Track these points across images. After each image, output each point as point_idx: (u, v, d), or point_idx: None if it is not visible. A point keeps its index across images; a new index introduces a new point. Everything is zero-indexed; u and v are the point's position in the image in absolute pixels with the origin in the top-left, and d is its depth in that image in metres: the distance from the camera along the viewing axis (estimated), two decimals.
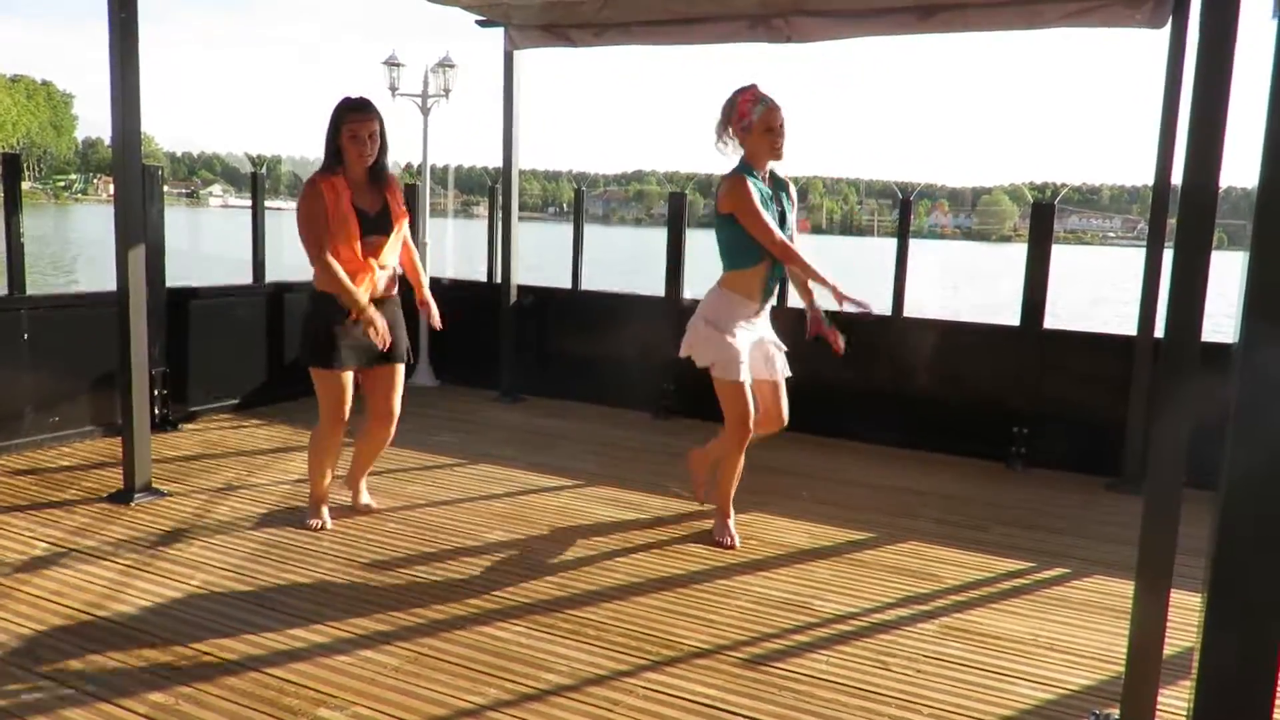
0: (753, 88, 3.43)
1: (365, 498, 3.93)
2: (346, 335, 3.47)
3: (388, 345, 3.51)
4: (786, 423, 3.71)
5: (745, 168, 3.44)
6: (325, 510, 3.74)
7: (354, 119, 3.39)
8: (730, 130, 3.45)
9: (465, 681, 2.51)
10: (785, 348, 3.71)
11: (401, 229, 3.60)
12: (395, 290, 3.67)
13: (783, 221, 3.47)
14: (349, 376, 3.53)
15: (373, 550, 3.45)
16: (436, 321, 3.76)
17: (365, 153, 3.41)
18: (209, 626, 2.77)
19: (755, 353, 3.57)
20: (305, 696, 2.40)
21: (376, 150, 3.45)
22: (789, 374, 3.70)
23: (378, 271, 3.52)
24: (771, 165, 3.51)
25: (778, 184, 3.54)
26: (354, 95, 3.49)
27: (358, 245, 3.44)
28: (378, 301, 3.52)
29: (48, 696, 2.36)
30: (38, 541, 3.40)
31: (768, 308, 3.62)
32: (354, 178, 3.46)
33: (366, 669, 2.56)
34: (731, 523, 3.69)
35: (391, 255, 3.59)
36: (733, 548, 3.60)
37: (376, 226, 3.49)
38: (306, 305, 3.59)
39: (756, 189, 3.40)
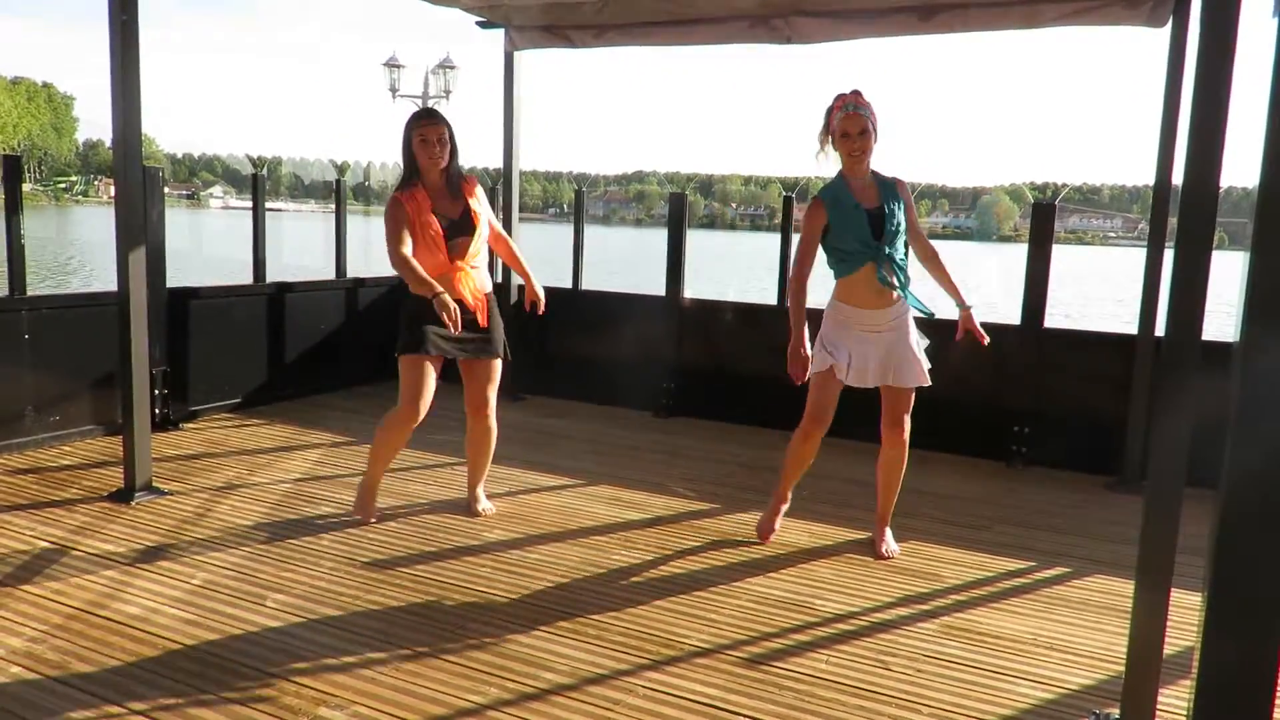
0: (844, 95, 3.36)
1: (482, 503, 3.96)
2: (433, 324, 3.55)
3: (459, 328, 3.48)
4: (905, 437, 3.61)
5: (835, 181, 3.43)
6: (374, 504, 3.82)
7: (423, 125, 3.59)
8: (829, 140, 3.42)
9: (465, 681, 2.51)
10: (922, 359, 3.58)
11: (482, 228, 3.68)
12: (490, 287, 3.77)
13: (883, 225, 3.38)
14: (429, 365, 3.62)
15: (373, 550, 3.45)
16: (541, 305, 3.95)
17: (435, 155, 3.55)
18: (210, 626, 2.77)
19: (873, 357, 3.49)
20: (305, 696, 2.40)
21: (447, 154, 3.59)
22: (918, 383, 3.58)
23: (470, 272, 3.62)
24: (875, 169, 3.44)
25: (884, 187, 3.44)
26: (422, 107, 3.72)
27: (444, 250, 3.57)
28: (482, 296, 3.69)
29: (49, 696, 2.36)
30: (39, 541, 3.40)
31: (893, 310, 3.48)
32: (431, 184, 3.61)
33: (367, 668, 2.56)
34: (777, 520, 3.78)
35: (479, 254, 3.68)
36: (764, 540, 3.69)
37: (460, 229, 3.61)
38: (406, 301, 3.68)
39: (834, 206, 3.38)
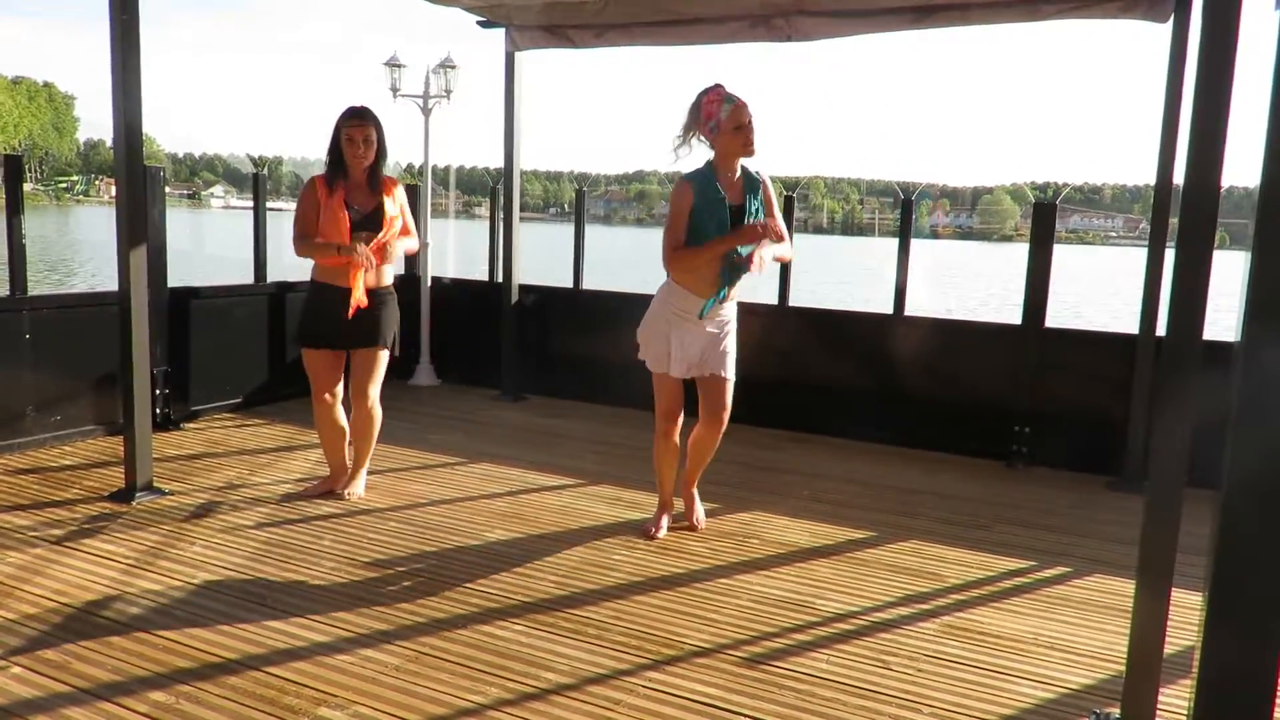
0: (717, 88, 3.42)
1: (356, 489, 4.07)
2: (322, 318, 3.83)
3: (366, 261, 3.71)
4: (723, 423, 3.62)
5: (703, 169, 3.45)
6: (340, 487, 4.06)
7: (350, 125, 3.74)
8: (698, 132, 3.45)
9: (466, 680, 2.51)
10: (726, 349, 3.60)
11: (392, 229, 3.84)
12: (388, 283, 3.95)
13: (742, 220, 3.42)
14: (323, 355, 3.89)
15: (373, 550, 3.45)
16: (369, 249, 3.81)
17: (359, 154, 3.73)
18: (210, 625, 2.77)
19: (696, 348, 3.53)
20: (306, 695, 2.40)
21: (372, 154, 3.76)
22: (726, 373, 3.59)
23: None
24: (744, 163, 3.48)
25: (749, 182, 3.49)
26: (355, 104, 3.82)
27: (348, 239, 3.73)
28: (370, 291, 3.81)
29: (49, 696, 2.36)
30: (40, 540, 3.40)
31: (722, 306, 3.53)
32: (353, 179, 3.79)
33: (367, 668, 2.56)
34: (665, 517, 3.82)
35: (386, 249, 3.84)
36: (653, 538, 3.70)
37: (366, 224, 3.78)
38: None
39: (701, 193, 3.39)
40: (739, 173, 3.49)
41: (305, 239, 3.79)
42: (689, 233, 3.41)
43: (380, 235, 3.79)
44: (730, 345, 3.60)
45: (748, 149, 3.43)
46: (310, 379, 3.94)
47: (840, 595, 3.20)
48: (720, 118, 3.37)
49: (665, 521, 3.77)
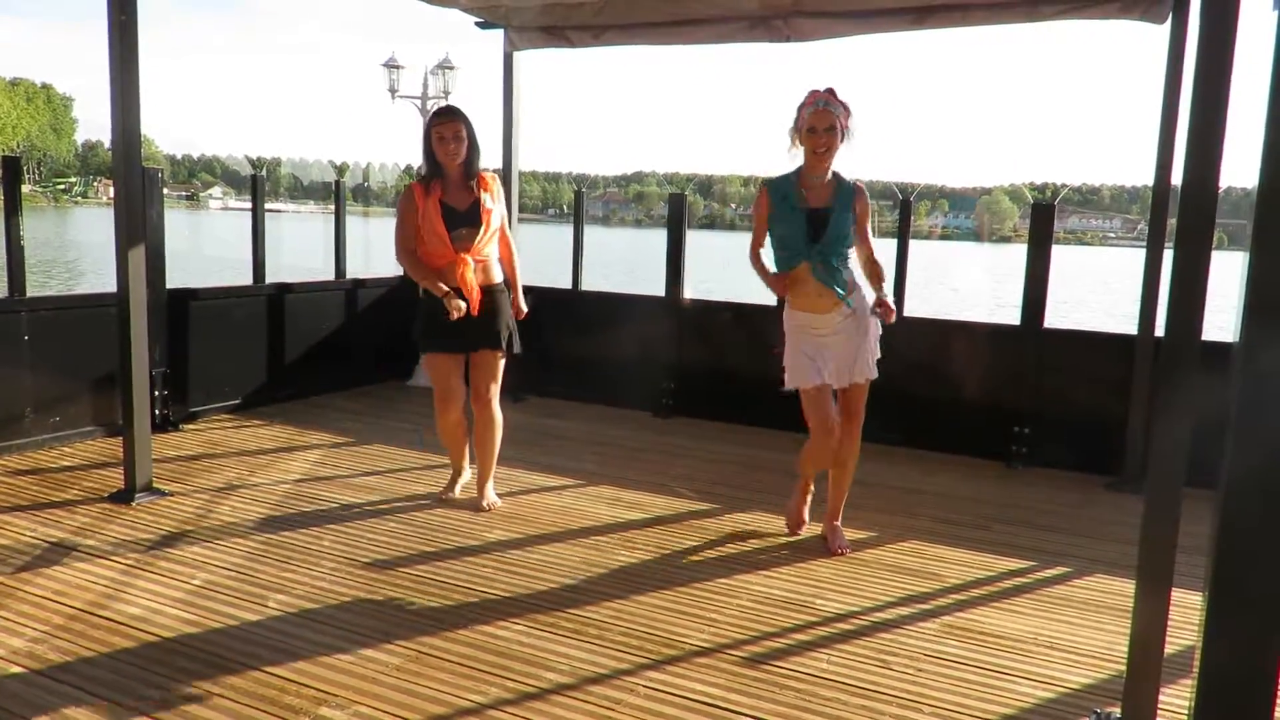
0: (817, 90, 3.36)
1: (490, 496, 4.02)
2: (438, 323, 3.76)
3: (461, 314, 3.67)
4: (856, 435, 3.64)
5: (787, 174, 3.46)
6: (458, 483, 4.12)
7: (440, 123, 3.75)
8: (798, 136, 3.42)
9: (467, 680, 2.51)
10: (876, 351, 3.56)
11: (491, 223, 3.81)
12: (499, 280, 3.91)
13: (824, 227, 3.37)
14: (443, 360, 3.88)
15: (373, 550, 3.46)
16: (520, 311, 4.01)
17: (450, 151, 3.72)
18: (210, 626, 2.77)
19: (830, 359, 3.49)
20: (307, 695, 2.41)
21: (464, 149, 3.75)
22: (864, 378, 3.54)
23: (471, 262, 3.74)
24: (838, 171, 3.43)
25: (841, 190, 3.42)
26: (442, 105, 3.98)
27: (447, 240, 3.74)
28: (482, 289, 3.79)
29: (49, 696, 2.36)
30: (39, 541, 3.40)
31: (837, 315, 3.45)
32: (449, 178, 3.80)
33: (368, 668, 2.56)
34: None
35: (485, 247, 3.81)
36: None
37: (464, 221, 3.76)
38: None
39: (776, 200, 3.42)
40: (829, 176, 3.43)
41: (408, 253, 3.79)
42: (773, 243, 3.47)
43: (480, 234, 3.75)
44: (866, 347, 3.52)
45: (815, 155, 3.36)
46: (434, 385, 3.93)
47: (840, 595, 3.20)
48: (802, 119, 3.37)
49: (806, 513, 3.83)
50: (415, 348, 3.99)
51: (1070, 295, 25.90)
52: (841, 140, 3.37)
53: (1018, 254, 5.11)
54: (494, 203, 3.83)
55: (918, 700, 2.51)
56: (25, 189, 4.86)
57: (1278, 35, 1.46)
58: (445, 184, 3.78)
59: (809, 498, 3.85)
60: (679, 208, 5.93)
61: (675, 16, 5.21)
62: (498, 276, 3.90)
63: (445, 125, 3.73)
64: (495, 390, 3.92)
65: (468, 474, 4.15)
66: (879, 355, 3.56)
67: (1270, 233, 1.50)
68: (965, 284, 32.06)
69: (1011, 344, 5.07)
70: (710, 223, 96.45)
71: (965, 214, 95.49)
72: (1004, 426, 4.99)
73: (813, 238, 3.39)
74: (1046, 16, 4.53)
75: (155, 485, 4.00)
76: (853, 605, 3.12)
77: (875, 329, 3.52)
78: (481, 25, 5.79)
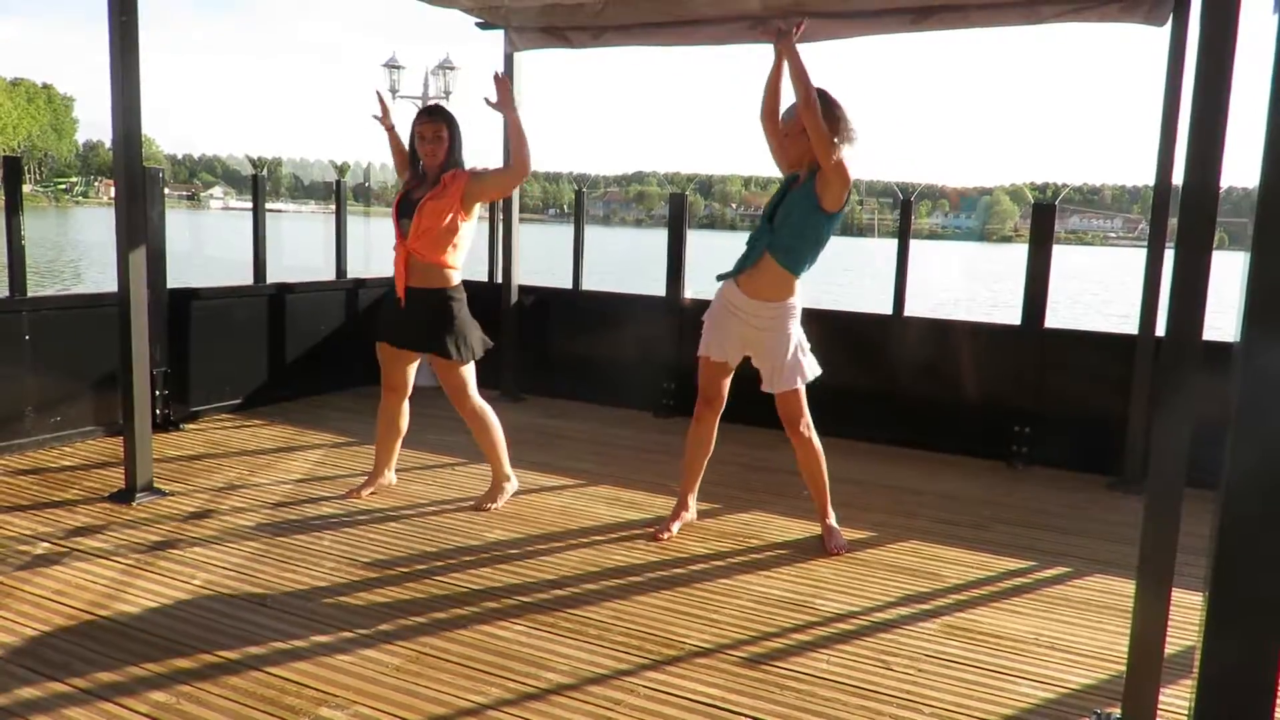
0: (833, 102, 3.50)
1: (498, 502, 4.06)
2: (382, 312, 4.04)
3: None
4: (803, 438, 3.63)
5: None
6: (374, 484, 4.15)
7: (422, 123, 3.84)
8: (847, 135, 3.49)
9: (467, 681, 2.51)
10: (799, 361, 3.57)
11: (426, 215, 3.73)
12: (439, 287, 3.83)
13: (776, 207, 3.53)
14: (382, 348, 4.06)
15: (373, 550, 3.46)
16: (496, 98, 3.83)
17: (429, 150, 3.80)
18: (211, 626, 2.77)
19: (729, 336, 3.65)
20: (306, 696, 2.41)
21: (443, 150, 3.80)
22: (779, 389, 3.55)
23: (412, 256, 3.79)
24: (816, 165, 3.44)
25: (809, 180, 3.47)
26: (430, 104, 4.06)
27: (396, 227, 3.85)
28: (407, 290, 3.83)
29: (49, 696, 2.36)
30: (40, 541, 3.40)
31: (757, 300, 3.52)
32: (427, 176, 3.86)
33: (368, 668, 2.56)
34: (685, 513, 3.86)
35: (424, 242, 3.75)
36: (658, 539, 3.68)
37: (405, 211, 3.82)
38: None
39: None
40: (807, 170, 3.52)
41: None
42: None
43: (412, 226, 3.74)
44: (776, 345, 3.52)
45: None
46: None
47: (840, 595, 3.20)
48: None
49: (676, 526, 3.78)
50: None
51: (1069, 295, 25.94)
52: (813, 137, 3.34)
53: (1017, 254, 5.11)
54: (451, 199, 3.72)
55: (918, 700, 2.51)
56: (26, 189, 4.86)
57: (1278, 36, 1.46)
58: (422, 178, 3.88)
59: (696, 482, 3.85)
60: (680, 208, 5.93)
61: (675, 17, 5.21)
62: (440, 283, 3.81)
63: (426, 125, 3.82)
64: (467, 392, 4.03)
65: (390, 479, 4.21)
66: (808, 363, 3.57)
67: (1270, 233, 1.51)
68: (942, 280, 32.20)
69: (1012, 344, 5.07)
70: (711, 223, 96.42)
71: (966, 214, 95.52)
72: (1004, 426, 4.99)
73: (769, 215, 3.54)
74: (1046, 18, 4.53)
75: (156, 485, 4.00)
76: (853, 605, 3.12)
77: (794, 342, 3.52)
78: (482, 26, 5.79)
